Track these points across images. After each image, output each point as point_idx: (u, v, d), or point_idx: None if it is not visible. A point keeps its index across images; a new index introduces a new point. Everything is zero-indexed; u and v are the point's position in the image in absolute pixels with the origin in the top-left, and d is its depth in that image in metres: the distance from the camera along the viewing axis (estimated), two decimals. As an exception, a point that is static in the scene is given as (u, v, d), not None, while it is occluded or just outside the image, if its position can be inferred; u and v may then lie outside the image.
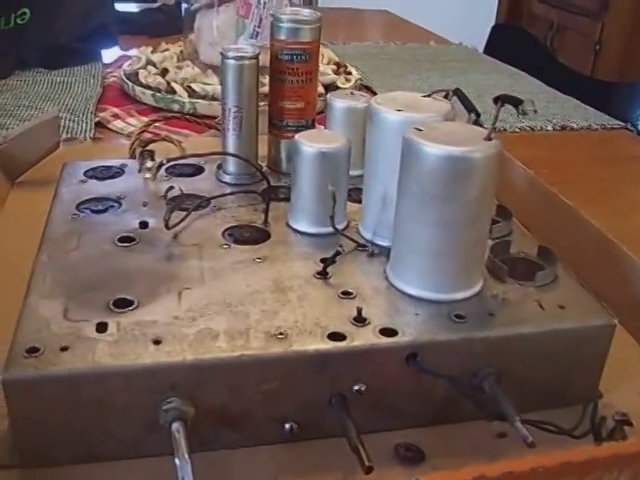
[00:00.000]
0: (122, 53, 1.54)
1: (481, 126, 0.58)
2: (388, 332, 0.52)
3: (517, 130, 1.21)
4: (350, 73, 1.35)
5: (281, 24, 0.72)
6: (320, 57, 1.36)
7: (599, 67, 2.84)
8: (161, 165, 0.70)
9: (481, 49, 1.94)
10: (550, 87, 1.48)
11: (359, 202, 0.66)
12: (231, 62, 0.70)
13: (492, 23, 2.90)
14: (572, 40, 3.04)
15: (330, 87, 1.24)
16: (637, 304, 0.67)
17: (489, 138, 0.53)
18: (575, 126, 1.25)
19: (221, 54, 0.70)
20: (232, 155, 0.72)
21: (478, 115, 0.60)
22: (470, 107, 0.60)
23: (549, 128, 1.23)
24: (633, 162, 1.16)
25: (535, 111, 0.55)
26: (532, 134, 1.22)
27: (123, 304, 0.53)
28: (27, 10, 1.36)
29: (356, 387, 0.51)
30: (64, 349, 0.48)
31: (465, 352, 0.52)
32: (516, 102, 0.55)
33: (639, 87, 1.65)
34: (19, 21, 1.36)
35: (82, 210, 0.68)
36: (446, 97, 0.63)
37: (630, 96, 1.65)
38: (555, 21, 3.10)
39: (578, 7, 2.99)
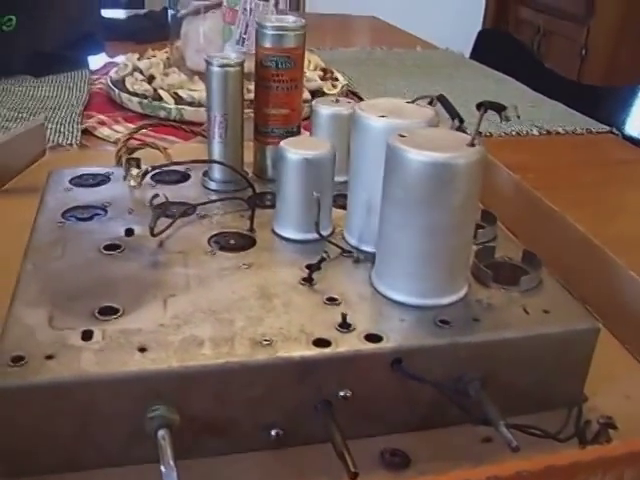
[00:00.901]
0: (109, 60, 1.54)
1: (465, 132, 0.58)
2: (373, 338, 0.52)
3: (503, 135, 1.21)
4: (337, 79, 1.36)
5: (265, 31, 0.72)
6: (306, 63, 1.37)
7: (585, 72, 2.86)
8: (146, 173, 0.70)
9: (468, 54, 1.95)
10: (536, 92, 1.48)
11: (344, 208, 0.66)
12: (216, 69, 0.70)
13: (479, 28, 2.91)
14: (558, 45, 3.05)
15: (316, 93, 1.24)
16: (622, 308, 0.67)
17: (472, 144, 0.53)
18: (561, 131, 1.26)
19: (205, 61, 0.70)
20: (217, 162, 0.72)
21: (462, 121, 0.60)
22: (454, 113, 0.61)
23: (535, 133, 1.24)
24: (618, 166, 1.16)
25: (518, 116, 0.56)
26: (518, 139, 1.22)
27: (108, 312, 0.53)
28: (13, 17, 1.36)
29: (341, 393, 0.51)
30: (49, 357, 0.48)
31: (450, 357, 0.53)
32: (499, 108, 0.55)
33: (624, 91, 1.66)
34: (5, 28, 1.36)
35: (68, 218, 0.67)
36: (430, 103, 0.63)
37: (615, 100, 1.66)
38: (541, 26, 3.11)
39: (564, 12, 3.00)
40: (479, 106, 0.55)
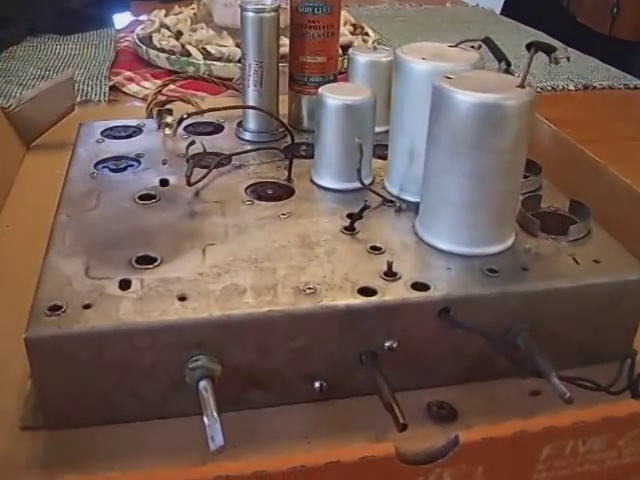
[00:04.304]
0: (134, 18, 1.52)
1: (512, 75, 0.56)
2: (420, 287, 0.50)
3: (539, 90, 1.18)
4: (367, 34, 1.33)
5: (301, -25, 0.70)
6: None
7: (617, 29, 2.79)
8: (181, 120, 0.68)
9: (498, 11, 1.91)
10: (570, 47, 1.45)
11: (384, 158, 0.64)
12: (250, 15, 0.68)
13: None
14: (589, 2, 2.98)
15: (347, 48, 1.21)
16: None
17: (522, 85, 0.51)
18: (597, 85, 1.23)
19: (240, 7, 0.68)
20: (255, 108, 0.70)
21: (509, 64, 0.58)
22: (500, 56, 0.59)
23: (571, 87, 1.21)
24: (658, 120, 1.13)
25: (568, 58, 0.53)
26: (554, 94, 1.19)
27: (146, 261, 0.52)
28: (38, -25, 1.34)
29: (387, 343, 0.49)
30: (87, 307, 0.47)
31: (499, 307, 0.51)
32: (549, 49, 0.53)
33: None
34: (29, -14, 1.34)
35: (100, 169, 0.66)
36: (474, 47, 0.61)
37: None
38: (571, -17, 3.04)
39: (595, -31, 2.94)
40: (529, 46, 0.52)
